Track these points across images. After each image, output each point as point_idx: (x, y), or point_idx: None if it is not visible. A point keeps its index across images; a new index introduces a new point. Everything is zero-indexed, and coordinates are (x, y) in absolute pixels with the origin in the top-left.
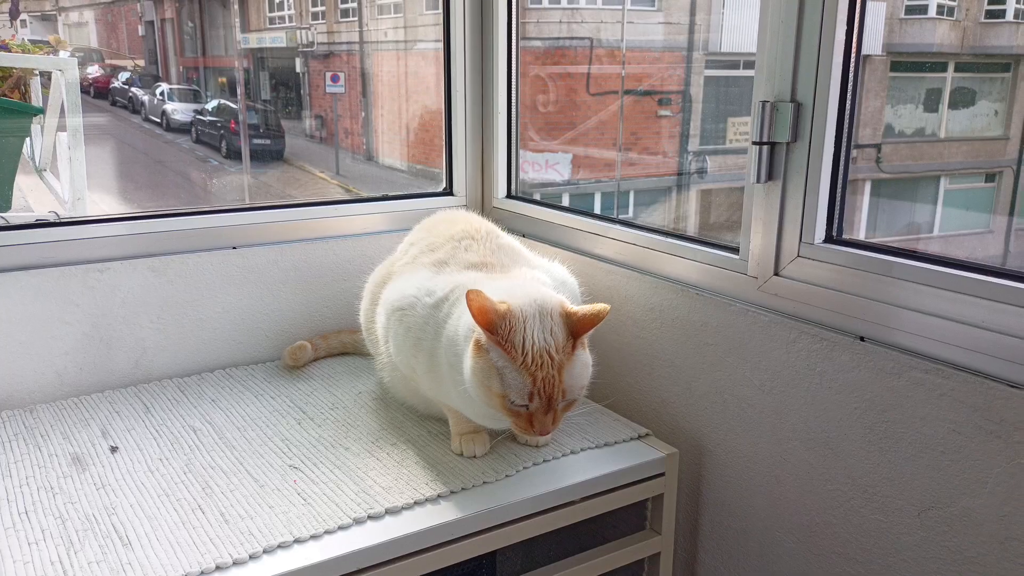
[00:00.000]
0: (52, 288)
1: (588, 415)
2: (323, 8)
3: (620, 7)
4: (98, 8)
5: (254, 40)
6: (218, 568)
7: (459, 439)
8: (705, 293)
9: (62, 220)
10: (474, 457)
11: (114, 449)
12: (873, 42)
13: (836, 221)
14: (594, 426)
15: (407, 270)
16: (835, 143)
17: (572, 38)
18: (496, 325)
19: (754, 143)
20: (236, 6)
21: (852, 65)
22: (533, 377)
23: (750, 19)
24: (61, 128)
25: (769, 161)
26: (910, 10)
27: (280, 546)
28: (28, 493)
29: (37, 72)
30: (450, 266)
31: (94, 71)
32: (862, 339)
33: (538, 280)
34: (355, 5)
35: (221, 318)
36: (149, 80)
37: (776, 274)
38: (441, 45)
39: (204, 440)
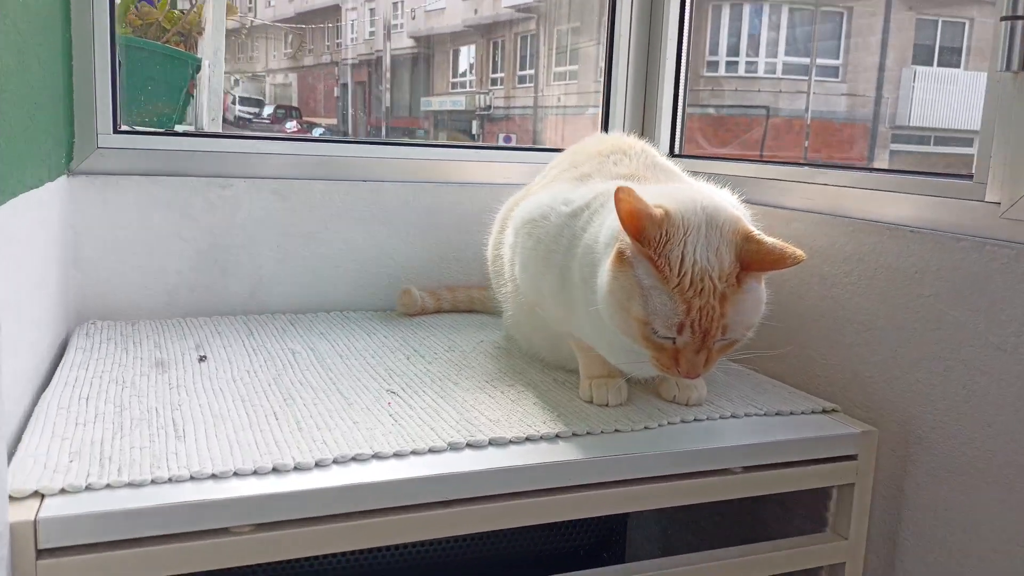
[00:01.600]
0: (171, 198)
1: (755, 384)
2: (502, 75)
3: (806, 77)
4: (301, 71)
5: (435, 103)
6: (275, 470)
7: (589, 383)
8: (922, 230)
9: (188, 132)
10: (606, 405)
11: (203, 359)
12: None
13: None
14: (763, 395)
15: (544, 189)
16: None
17: (747, 106)
18: (648, 233)
19: (1003, 19)
20: (426, 72)
21: None
22: (688, 304)
23: (942, 93)
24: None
25: (1023, 42)
26: None
27: (355, 458)
28: (98, 384)
29: (202, 30)
30: (594, 178)
31: (292, 126)
32: None
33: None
34: (532, 72)
35: (343, 256)
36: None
37: None
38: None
39: (300, 361)
